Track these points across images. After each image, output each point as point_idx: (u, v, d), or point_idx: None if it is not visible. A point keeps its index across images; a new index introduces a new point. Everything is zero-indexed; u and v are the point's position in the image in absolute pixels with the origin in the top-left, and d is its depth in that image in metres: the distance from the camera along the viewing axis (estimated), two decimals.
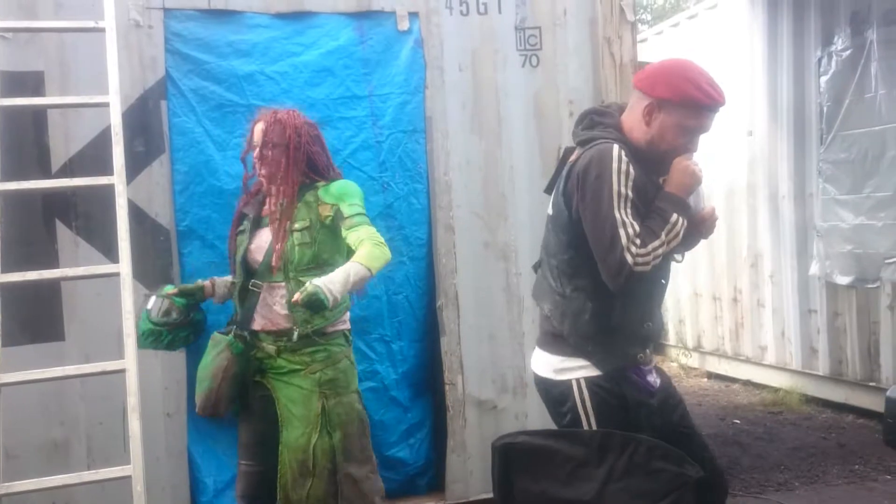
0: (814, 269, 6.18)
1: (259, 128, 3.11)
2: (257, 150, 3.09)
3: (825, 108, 6.03)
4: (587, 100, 4.15)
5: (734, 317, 7.21)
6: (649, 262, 2.45)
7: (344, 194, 3.08)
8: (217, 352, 3.08)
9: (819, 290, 6.20)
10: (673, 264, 2.71)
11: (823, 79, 6.04)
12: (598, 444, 2.69)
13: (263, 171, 3.10)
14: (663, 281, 2.69)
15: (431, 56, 3.96)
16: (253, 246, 3.13)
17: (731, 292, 7.21)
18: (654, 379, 2.70)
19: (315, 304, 2.77)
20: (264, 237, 3.11)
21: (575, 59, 4.17)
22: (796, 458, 5.14)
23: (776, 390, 6.63)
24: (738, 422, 6.06)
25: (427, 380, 4.08)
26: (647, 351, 2.67)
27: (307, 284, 2.79)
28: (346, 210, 3.03)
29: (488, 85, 4.06)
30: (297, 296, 2.79)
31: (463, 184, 4.02)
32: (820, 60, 6.07)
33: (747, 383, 7.10)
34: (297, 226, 3.05)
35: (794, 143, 6.37)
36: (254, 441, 3.14)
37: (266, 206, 3.16)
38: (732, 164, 7.00)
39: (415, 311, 3.99)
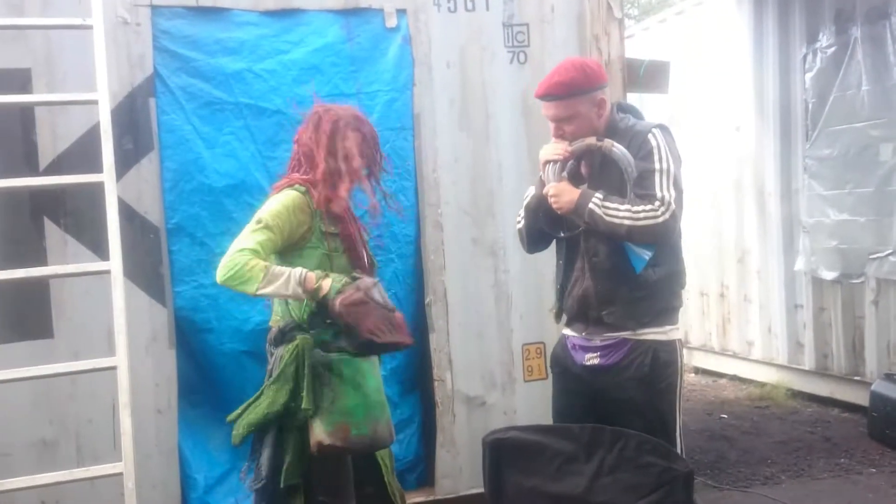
0: (800, 264, 6.23)
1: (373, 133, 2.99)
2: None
3: (810, 105, 6.08)
4: None
5: (721, 312, 7.26)
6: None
7: None
8: (377, 369, 2.89)
9: (805, 285, 6.25)
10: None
11: (808, 75, 6.09)
12: (588, 440, 2.73)
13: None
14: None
15: (419, 53, 3.97)
16: None
17: (718, 288, 7.26)
18: None
19: None
20: None
21: (562, 56, 4.14)
22: (782, 452, 5.18)
23: (763, 385, 6.68)
24: (725, 416, 6.11)
25: (416, 376, 4.10)
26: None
27: None
28: None
29: (476, 82, 4.07)
30: None
31: (451, 181, 4.03)
32: (805, 57, 6.12)
33: (734, 378, 7.15)
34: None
35: (780, 139, 6.42)
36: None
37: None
38: (720, 160, 7.05)
39: (403, 307, 3.98)
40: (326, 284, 2.66)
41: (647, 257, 2.81)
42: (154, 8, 3.60)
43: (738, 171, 6.90)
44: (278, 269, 2.66)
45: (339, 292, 2.65)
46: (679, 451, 2.82)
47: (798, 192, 6.28)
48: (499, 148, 4.11)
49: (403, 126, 3.97)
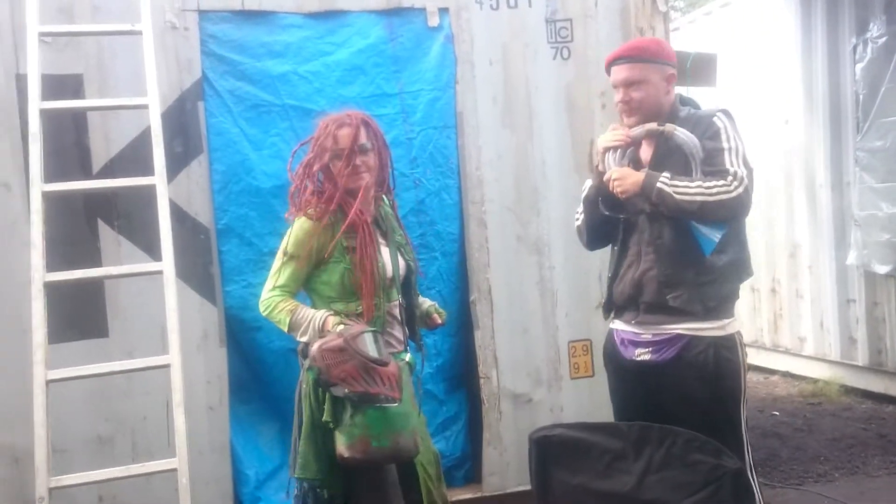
0: (852, 258, 6.10)
1: (346, 133, 2.83)
2: (349, 155, 2.81)
3: (861, 96, 5.94)
4: None
5: (773, 308, 7.14)
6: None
7: None
8: (406, 378, 2.87)
9: (857, 279, 6.12)
10: None
11: (859, 66, 5.95)
12: (636, 437, 2.71)
13: (367, 178, 2.85)
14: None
15: (462, 51, 3.98)
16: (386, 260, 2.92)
17: (769, 283, 7.14)
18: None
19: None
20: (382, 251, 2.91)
21: (607, 51, 4.09)
22: (836, 449, 5.09)
23: (815, 381, 6.56)
24: (777, 413, 6.01)
25: (462, 373, 4.11)
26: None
27: (431, 305, 3.03)
28: None
29: (519, 79, 4.07)
30: (438, 318, 3.02)
31: (494, 178, 4.04)
32: (855, 48, 5.98)
33: (786, 375, 7.03)
34: (397, 237, 2.99)
35: (830, 131, 6.29)
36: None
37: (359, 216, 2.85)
38: (769, 153, 6.93)
39: (448, 305, 4.00)
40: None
41: (716, 239, 2.76)
42: (201, 13, 3.66)
43: (787, 165, 6.79)
44: (302, 314, 2.79)
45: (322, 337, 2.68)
46: (745, 450, 2.78)
47: (849, 185, 6.15)
48: (542, 144, 4.10)
49: (446, 124, 3.98)
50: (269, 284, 2.86)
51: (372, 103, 3.84)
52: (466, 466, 4.10)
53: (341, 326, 2.70)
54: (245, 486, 3.71)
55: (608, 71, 3.01)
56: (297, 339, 2.80)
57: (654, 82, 2.88)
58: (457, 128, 3.99)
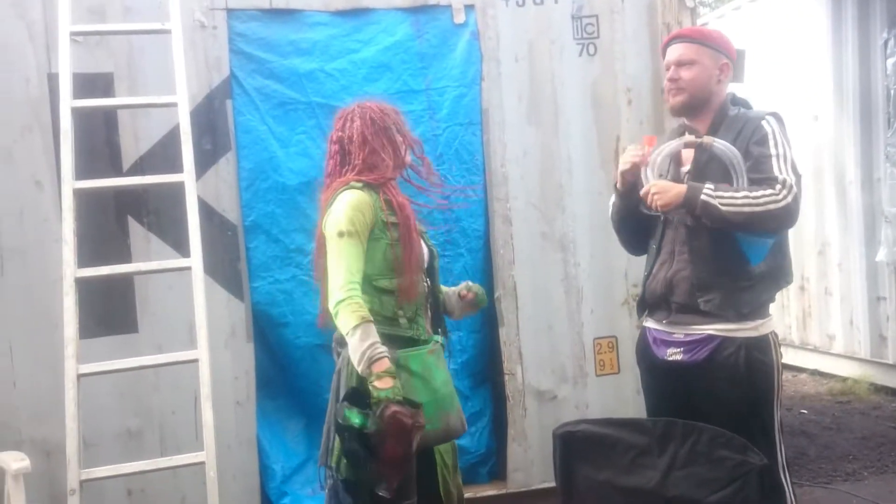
0: (882, 255, 6.01)
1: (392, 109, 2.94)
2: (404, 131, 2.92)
3: (892, 91, 5.85)
4: (646, 88, 4.13)
5: (801, 305, 7.06)
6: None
7: None
8: (443, 362, 2.85)
9: (888, 276, 6.03)
10: None
11: (890, 61, 5.86)
12: (661, 433, 2.70)
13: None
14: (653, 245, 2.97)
15: (488, 48, 3.98)
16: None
17: (798, 280, 7.06)
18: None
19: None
20: None
21: (633, 47, 4.14)
22: (865, 448, 5.02)
23: (844, 379, 6.48)
24: (805, 412, 5.95)
25: (487, 370, 4.12)
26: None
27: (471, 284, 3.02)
28: None
29: (545, 75, 4.06)
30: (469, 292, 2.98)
31: (520, 175, 4.03)
32: (886, 42, 5.89)
33: (815, 373, 6.95)
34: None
35: (860, 126, 6.20)
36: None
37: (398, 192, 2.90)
38: (798, 150, 6.83)
39: None
40: (388, 383, 2.57)
41: (767, 247, 2.70)
42: (230, 11, 3.70)
43: (816, 161, 6.70)
44: (369, 332, 2.61)
45: (396, 401, 2.55)
46: (777, 451, 2.74)
47: (880, 182, 6.06)
48: (568, 141, 4.09)
49: (472, 121, 3.98)
50: (340, 278, 2.66)
51: (398, 100, 3.84)
52: (491, 463, 4.10)
53: (394, 381, 2.58)
54: (272, 480, 3.74)
55: (663, 53, 2.95)
56: (347, 339, 2.64)
57: (706, 66, 2.82)
58: (482, 124, 3.99)
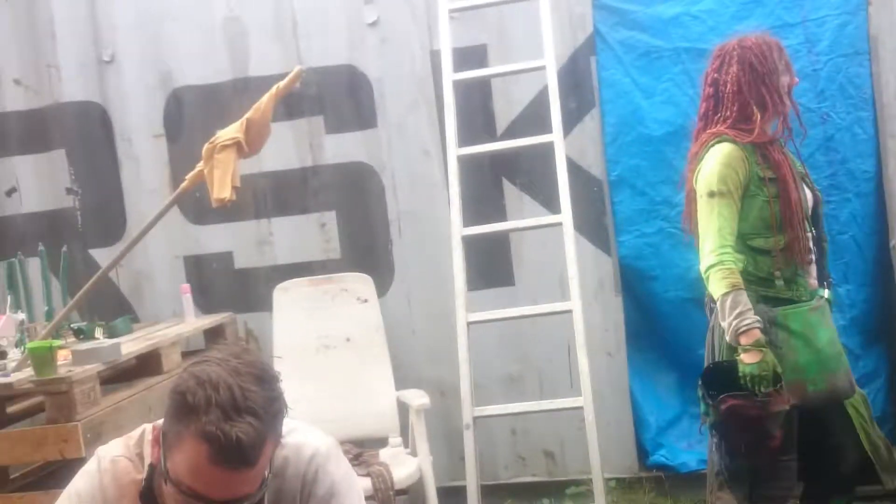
0: None
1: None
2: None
3: None
4: None
5: None
6: None
7: None
8: (828, 319, 2.72)
9: None
10: None
11: None
12: None
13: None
14: None
15: None
16: None
17: None
18: None
19: None
20: None
21: None
22: None
23: None
24: None
25: (880, 327, 3.73)
26: None
27: None
28: None
29: None
30: None
31: None
32: None
33: None
34: (798, 166, 2.80)
35: None
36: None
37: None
38: None
39: (863, 251, 3.65)
40: (755, 357, 2.48)
41: None
42: None
43: None
44: (732, 300, 2.52)
45: (762, 378, 2.46)
46: None
47: None
48: None
49: (858, 51, 3.58)
50: (711, 242, 2.57)
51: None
52: (887, 427, 3.71)
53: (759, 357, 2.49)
54: (647, 431, 3.78)
55: None
56: (717, 306, 2.58)
57: None
58: (870, 53, 3.57)
